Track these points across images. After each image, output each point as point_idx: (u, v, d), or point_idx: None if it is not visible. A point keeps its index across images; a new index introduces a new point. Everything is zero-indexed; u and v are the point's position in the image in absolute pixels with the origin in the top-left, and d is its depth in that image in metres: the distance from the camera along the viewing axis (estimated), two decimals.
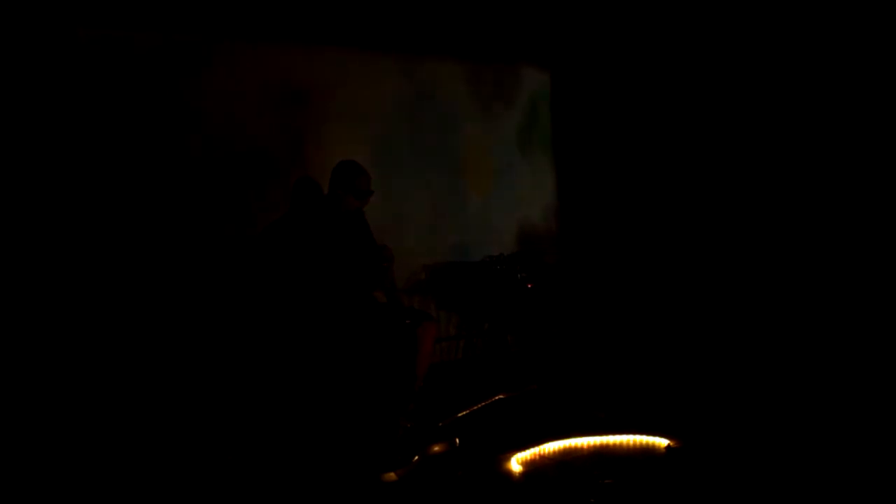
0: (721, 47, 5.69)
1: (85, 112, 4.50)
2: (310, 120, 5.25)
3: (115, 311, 4.46)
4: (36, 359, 4.16)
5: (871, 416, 3.98)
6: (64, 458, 3.82)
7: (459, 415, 4.31)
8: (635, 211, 6.29)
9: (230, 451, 3.90)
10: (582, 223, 6.53)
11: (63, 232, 4.37)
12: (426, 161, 5.81)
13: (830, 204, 5.15)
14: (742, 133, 5.64)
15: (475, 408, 4.41)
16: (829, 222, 5.15)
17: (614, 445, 3.90)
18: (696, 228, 5.90)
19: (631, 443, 3.90)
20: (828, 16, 5.12)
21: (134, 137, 4.67)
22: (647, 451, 3.82)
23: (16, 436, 3.89)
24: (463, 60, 6.00)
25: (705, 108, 5.83)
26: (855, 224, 5.07)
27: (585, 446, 3.90)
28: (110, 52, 4.61)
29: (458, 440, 3.94)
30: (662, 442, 3.82)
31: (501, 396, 4.58)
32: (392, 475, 3.63)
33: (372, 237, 4.45)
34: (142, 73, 4.69)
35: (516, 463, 3.73)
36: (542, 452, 3.85)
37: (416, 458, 3.78)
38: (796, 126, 5.32)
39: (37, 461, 3.76)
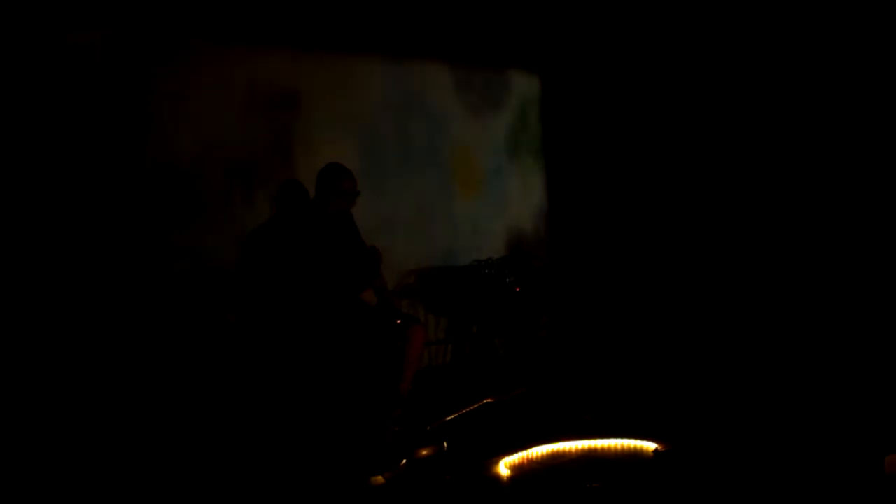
0: (710, 53, 5.72)
1: (74, 115, 4.47)
2: (298, 123, 5.23)
3: (97, 313, 4.43)
4: (33, 359, 4.14)
5: (858, 418, 3.99)
6: (59, 459, 3.79)
7: (447, 419, 4.30)
8: (624, 215, 6.31)
9: (218, 454, 3.87)
10: (571, 227, 6.54)
11: (54, 236, 4.35)
12: (415, 164, 5.80)
13: (812, 230, 5.22)
14: (732, 136, 5.67)
15: (463, 412, 4.41)
16: (810, 242, 5.22)
17: (602, 449, 3.89)
18: (684, 234, 5.92)
19: (619, 446, 3.90)
20: (812, 34, 5.18)
21: (120, 140, 4.65)
22: (635, 455, 3.82)
23: (16, 436, 3.86)
24: (452, 64, 6.00)
25: (694, 114, 5.86)
26: (831, 234, 5.13)
27: (573, 450, 3.89)
28: (99, 55, 4.59)
29: (446, 444, 3.94)
30: (650, 445, 3.82)
31: (489, 400, 4.57)
32: (380, 479, 3.62)
33: (361, 239, 4.44)
34: (129, 76, 4.67)
35: (504, 467, 3.72)
36: (529, 456, 3.84)
37: (404, 461, 3.77)
38: (788, 132, 5.36)
39: (36, 460, 3.74)
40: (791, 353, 5.04)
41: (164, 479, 3.68)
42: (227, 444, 3.98)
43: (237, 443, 3.98)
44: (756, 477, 3.42)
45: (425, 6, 5.67)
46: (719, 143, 5.72)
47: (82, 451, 3.91)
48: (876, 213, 5.00)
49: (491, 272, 5.60)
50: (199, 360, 4.47)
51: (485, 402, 4.55)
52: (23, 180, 4.24)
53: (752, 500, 3.25)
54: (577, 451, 3.89)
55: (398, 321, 4.33)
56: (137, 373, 4.39)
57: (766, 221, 5.48)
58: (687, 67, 5.86)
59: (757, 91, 5.52)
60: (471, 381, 5.23)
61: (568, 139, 6.54)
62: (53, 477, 3.68)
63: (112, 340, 4.40)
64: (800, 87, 5.28)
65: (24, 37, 4.29)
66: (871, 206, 5.01)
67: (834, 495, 3.22)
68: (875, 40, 4.96)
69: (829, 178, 5.18)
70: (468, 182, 6.09)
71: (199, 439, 4.05)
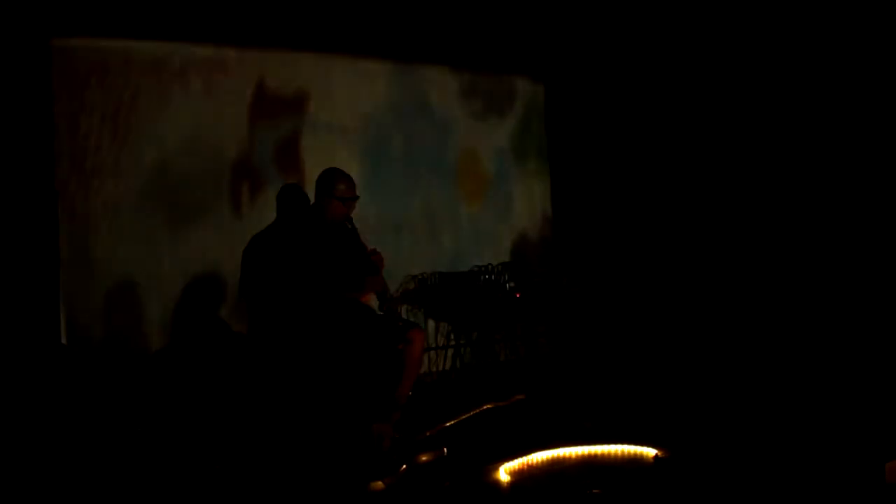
0: (713, 59, 5.74)
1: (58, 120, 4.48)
2: (302, 126, 5.24)
3: None
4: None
5: (858, 425, 3.99)
6: (55, 459, 3.79)
7: (447, 424, 4.29)
8: (627, 222, 6.31)
9: (217, 458, 3.87)
10: (574, 233, 6.54)
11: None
12: (419, 169, 5.81)
13: (812, 245, 5.23)
14: (734, 142, 5.69)
15: (463, 417, 4.40)
16: (809, 253, 5.23)
17: (602, 455, 3.89)
18: (686, 240, 5.92)
19: (619, 453, 3.89)
20: (812, 52, 5.20)
21: (123, 144, 4.66)
22: (635, 462, 3.81)
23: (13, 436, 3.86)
24: (458, 69, 6.02)
25: (697, 123, 5.87)
26: (830, 246, 5.14)
27: (573, 456, 3.88)
28: (91, 59, 4.59)
29: (445, 450, 3.93)
30: (650, 452, 3.82)
31: (489, 406, 4.56)
32: (379, 484, 3.62)
33: (361, 243, 4.44)
34: (125, 80, 4.67)
35: (504, 473, 3.71)
36: (529, 462, 3.83)
37: (404, 467, 3.77)
38: (789, 140, 5.38)
39: (34, 461, 3.74)
40: (791, 359, 5.03)
41: (165, 484, 3.68)
42: (228, 449, 3.97)
43: (238, 447, 3.98)
44: (756, 484, 3.42)
45: (432, 13, 5.67)
46: (720, 153, 5.74)
47: (83, 452, 3.91)
48: (878, 223, 5.00)
49: (491, 277, 5.59)
50: (201, 365, 4.48)
51: (485, 407, 4.54)
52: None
53: None
54: (577, 457, 3.88)
55: (399, 324, 4.33)
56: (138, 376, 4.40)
57: (764, 226, 5.49)
58: (690, 75, 5.87)
59: (756, 89, 5.54)
60: (471, 386, 5.23)
61: (572, 146, 6.55)
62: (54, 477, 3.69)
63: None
64: (802, 98, 5.31)
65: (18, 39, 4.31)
66: (873, 215, 5.01)
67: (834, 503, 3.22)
68: (871, 46, 4.96)
69: (828, 189, 5.20)
70: (472, 187, 6.10)
71: (202, 444, 4.05)
